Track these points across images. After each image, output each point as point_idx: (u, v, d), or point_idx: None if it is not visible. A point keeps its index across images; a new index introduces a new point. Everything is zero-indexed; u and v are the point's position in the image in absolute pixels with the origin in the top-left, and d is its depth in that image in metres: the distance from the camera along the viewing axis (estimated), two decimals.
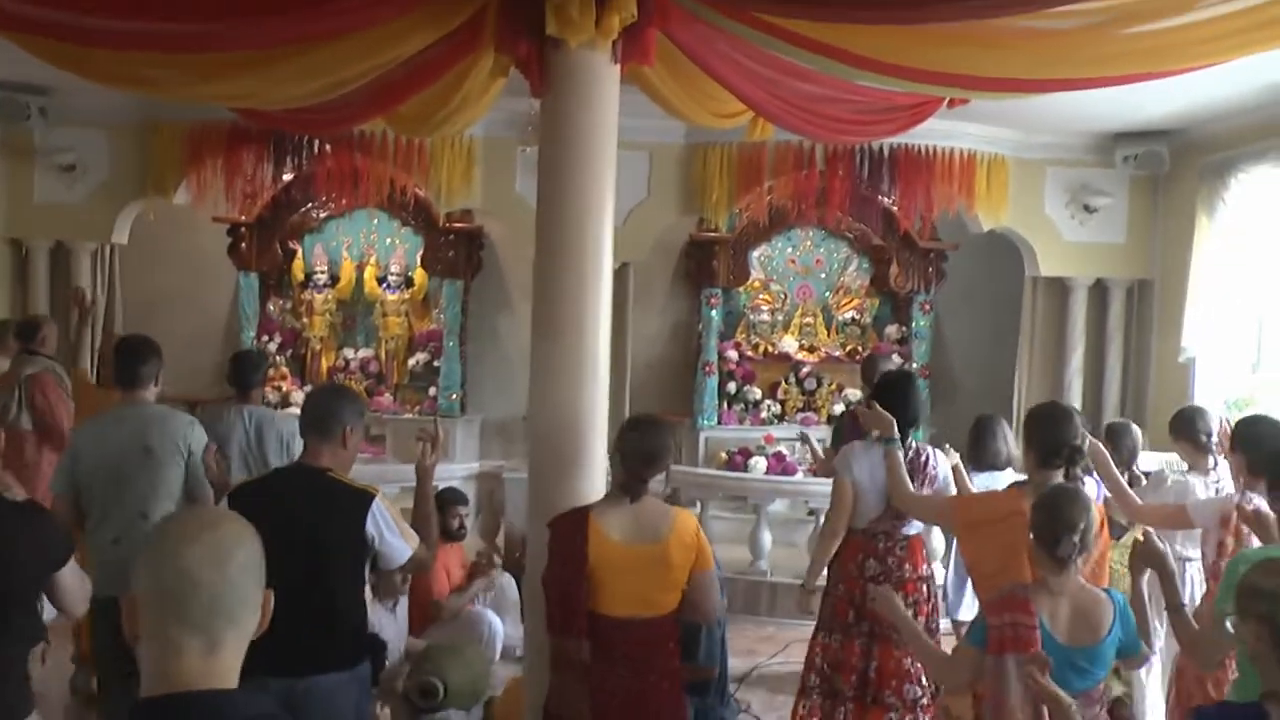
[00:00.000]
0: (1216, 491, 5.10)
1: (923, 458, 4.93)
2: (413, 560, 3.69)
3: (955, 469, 5.13)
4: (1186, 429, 5.34)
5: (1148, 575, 3.42)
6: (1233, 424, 4.84)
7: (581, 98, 4.71)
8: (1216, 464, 5.25)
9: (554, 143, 4.78)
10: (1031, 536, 3.32)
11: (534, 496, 4.74)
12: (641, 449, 3.74)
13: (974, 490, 5.13)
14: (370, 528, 3.52)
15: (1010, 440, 6.05)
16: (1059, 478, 3.89)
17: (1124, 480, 4.97)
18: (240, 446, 5.52)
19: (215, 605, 1.63)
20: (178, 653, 1.61)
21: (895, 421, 4.67)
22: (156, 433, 4.50)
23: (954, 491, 4.94)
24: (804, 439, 7.51)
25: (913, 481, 4.72)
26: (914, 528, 4.97)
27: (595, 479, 4.65)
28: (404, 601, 6.27)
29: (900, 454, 4.67)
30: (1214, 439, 5.25)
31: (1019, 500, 3.85)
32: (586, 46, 4.59)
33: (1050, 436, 3.94)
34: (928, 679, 4.79)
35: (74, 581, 3.27)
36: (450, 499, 6.68)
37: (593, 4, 4.48)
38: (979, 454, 5.97)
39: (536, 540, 4.43)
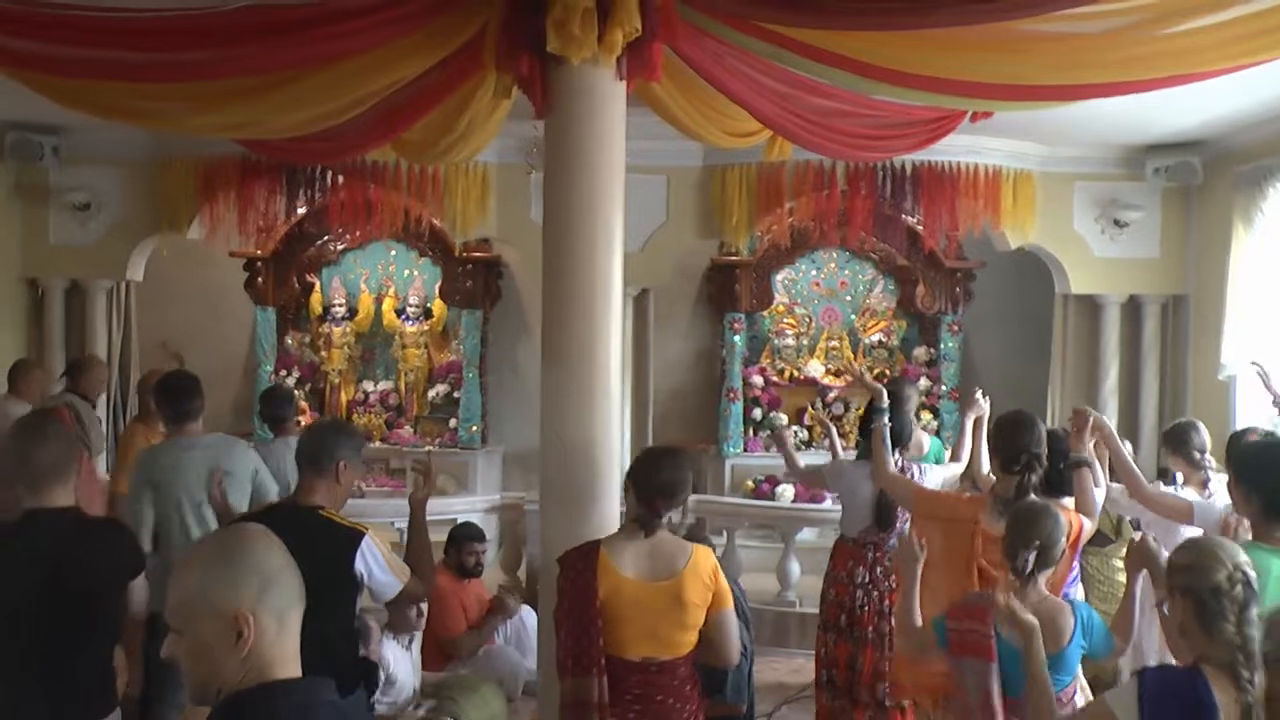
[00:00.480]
0: None
1: (909, 474, 5.21)
2: (403, 594, 3.73)
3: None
4: (1180, 445, 5.19)
5: (1143, 575, 3.50)
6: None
7: (586, 116, 4.61)
8: (1209, 481, 5.08)
9: (559, 164, 4.68)
10: (1003, 549, 3.56)
11: (545, 529, 4.63)
12: (656, 481, 3.61)
13: None
14: (359, 566, 3.57)
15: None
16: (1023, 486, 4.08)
17: (1197, 476, 5.04)
18: (285, 479, 5.50)
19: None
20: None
21: (884, 391, 5.05)
22: (230, 456, 4.91)
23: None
24: (775, 432, 7.36)
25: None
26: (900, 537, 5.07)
27: (609, 511, 4.52)
28: (419, 637, 6.16)
29: (886, 429, 4.91)
30: (1207, 456, 5.13)
31: (974, 508, 4.15)
32: (589, 63, 4.50)
33: (1010, 443, 4.13)
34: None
35: (141, 591, 3.73)
36: (465, 536, 6.56)
37: (594, 19, 4.37)
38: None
39: (547, 576, 4.30)
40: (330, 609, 3.47)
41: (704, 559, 3.62)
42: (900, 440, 5.30)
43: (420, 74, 5.06)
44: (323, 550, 3.43)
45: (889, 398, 5.15)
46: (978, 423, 5.35)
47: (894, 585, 5.17)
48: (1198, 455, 5.14)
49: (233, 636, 1.86)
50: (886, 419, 4.95)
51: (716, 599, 3.61)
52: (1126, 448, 5.83)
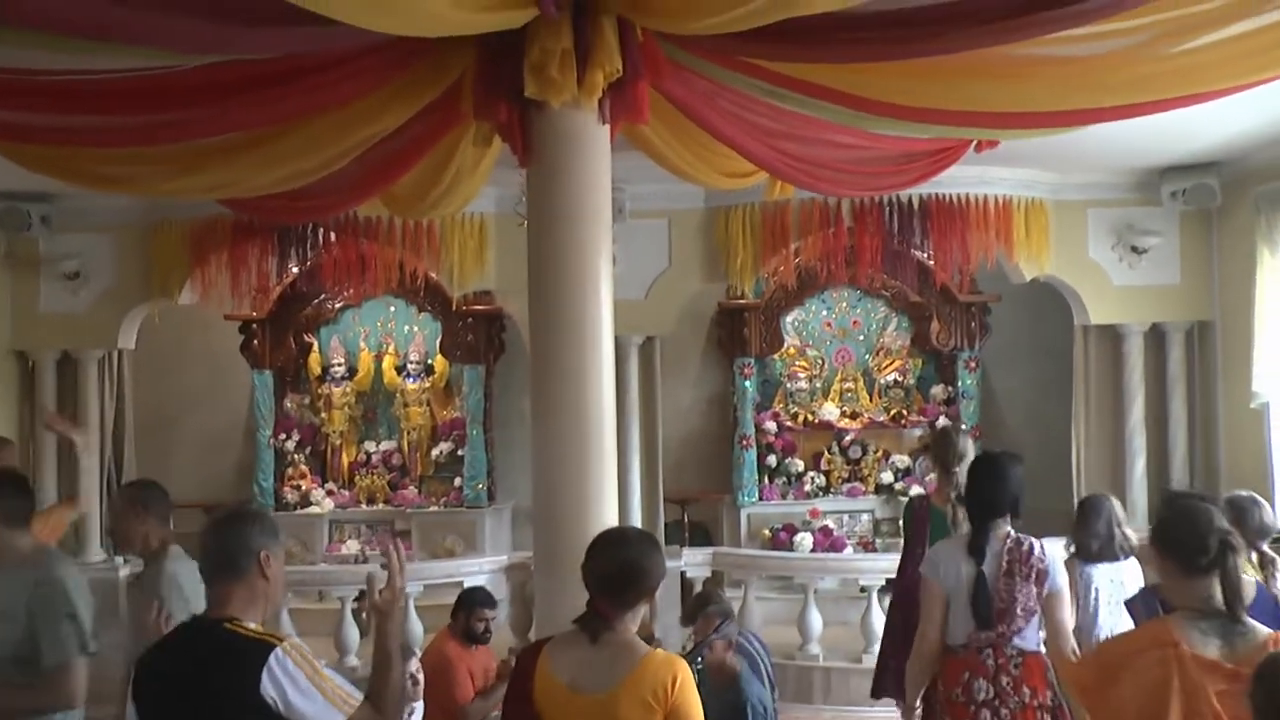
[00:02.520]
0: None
1: (1025, 545, 4.17)
2: None
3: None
4: (1237, 522, 4.36)
5: None
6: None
7: (568, 162, 4.52)
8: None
9: (542, 213, 4.59)
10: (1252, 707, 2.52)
11: (540, 598, 4.48)
12: (603, 574, 3.11)
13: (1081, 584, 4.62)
14: (268, 689, 2.78)
15: (1123, 521, 5.36)
16: (1212, 586, 3.02)
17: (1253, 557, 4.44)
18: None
19: None
20: None
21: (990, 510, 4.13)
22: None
23: (1067, 593, 4.25)
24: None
25: (1015, 578, 4.09)
26: (1030, 640, 4.18)
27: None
28: (419, 709, 5.95)
29: (1066, 612, 4.11)
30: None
31: (1168, 630, 3.01)
32: (570, 106, 4.40)
33: (1188, 534, 3.08)
34: None
35: None
36: (477, 601, 6.36)
37: (573, 60, 4.26)
38: (1086, 540, 5.33)
39: None
40: None
41: (656, 670, 3.04)
42: (1014, 509, 4.27)
43: (400, 126, 4.98)
44: (222, 671, 2.85)
45: (975, 484, 4.28)
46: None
47: (1027, 701, 4.17)
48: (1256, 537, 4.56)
49: None
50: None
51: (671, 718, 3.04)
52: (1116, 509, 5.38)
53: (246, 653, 2.84)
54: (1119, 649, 3.24)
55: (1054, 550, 4.23)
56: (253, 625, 2.93)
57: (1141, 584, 5.10)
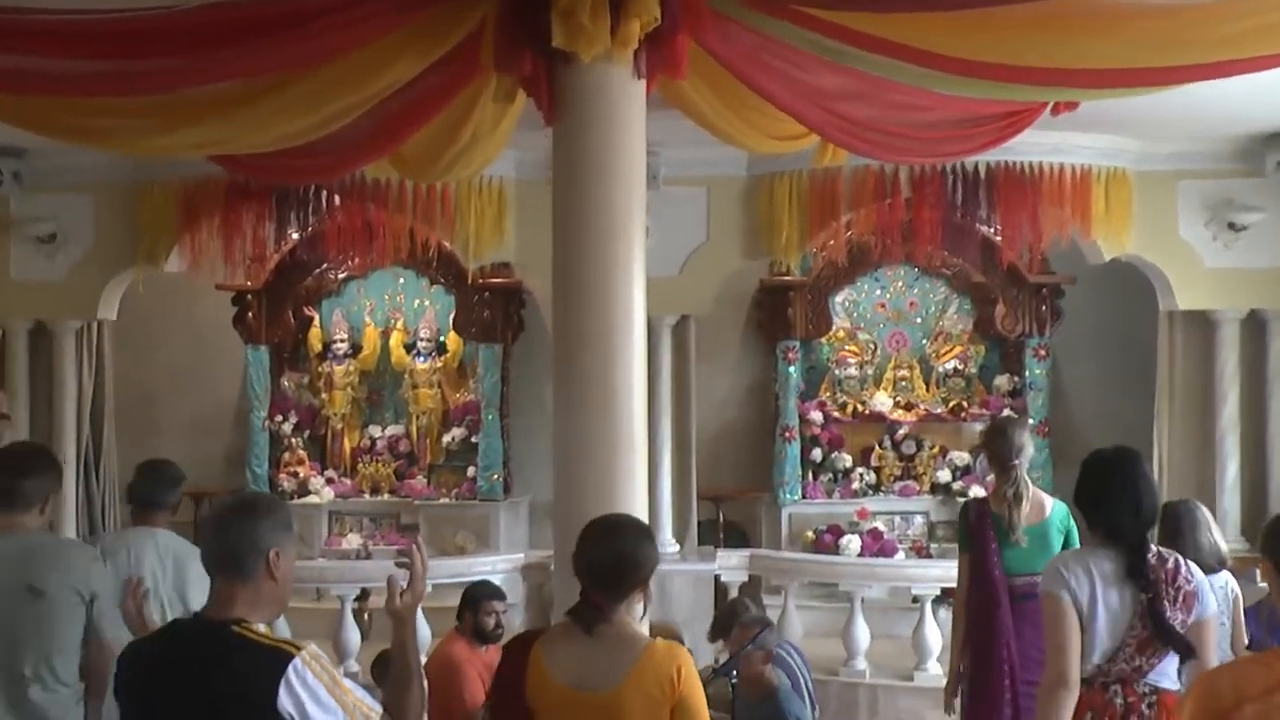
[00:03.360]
0: None
1: (1170, 563, 3.73)
2: None
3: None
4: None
5: None
6: None
7: (599, 121, 4.52)
8: None
9: (569, 178, 4.60)
10: None
11: (560, 601, 4.51)
12: (594, 563, 3.22)
13: None
14: (285, 701, 2.77)
15: (1216, 531, 5.08)
16: None
17: None
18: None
19: None
20: None
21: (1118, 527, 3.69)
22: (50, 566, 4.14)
23: (1216, 621, 3.90)
24: None
25: (1163, 602, 3.68)
26: (1167, 676, 3.76)
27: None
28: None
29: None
30: None
31: None
32: (602, 60, 4.39)
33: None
34: None
35: None
36: (483, 594, 6.38)
37: (606, 9, 4.25)
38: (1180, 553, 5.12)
39: None
40: None
41: (660, 661, 3.15)
42: (1150, 522, 3.84)
43: (413, 78, 4.95)
44: (236, 679, 2.83)
45: (1095, 490, 3.82)
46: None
47: None
48: None
49: None
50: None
51: (679, 712, 3.14)
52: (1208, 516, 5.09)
53: (262, 661, 2.82)
54: (1237, 681, 2.96)
55: (1198, 570, 3.84)
56: (262, 629, 2.92)
57: (1230, 598, 5.01)
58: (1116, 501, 3.74)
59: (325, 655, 2.90)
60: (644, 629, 3.51)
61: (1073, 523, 5.32)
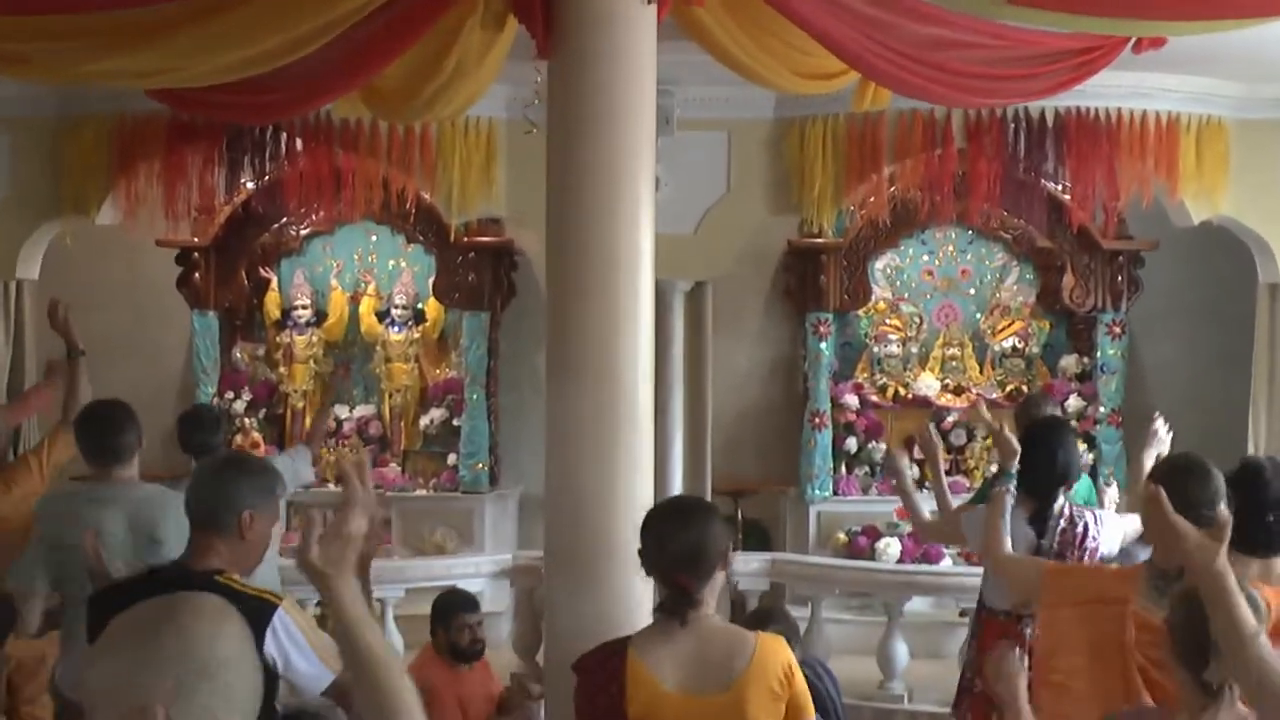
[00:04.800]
0: None
1: (1079, 526, 4.98)
2: (335, 687, 3.49)
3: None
4: None
5: None
6: None
7: (602, 52, 4.60)
8: None
9: (566, 117, 4.68)
10: (1171, 650, 3.19)
11: (551, 608, 4.60)
12: (669, 551, 3.43)
13: None
14: (271, 648, 3.31)
15: None
16: None
17: None
18: None
19: None
20: None
21: (1017, 452, 4.80)
22: (164, 514, 4.70)
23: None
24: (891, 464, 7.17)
25: (1064, 557, 4.84)
26: None
27: (630, 585, 4.42)
28: None
29: (1010, 498, 4.70)
30: None
31: (1124, 584, 3.85)
32: None
33: (1178, 497, 3.63)
34: None
35: None
36: (451, 606, 6.41)
37: None
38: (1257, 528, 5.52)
39: (555, 672, 4.31)
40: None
41: (772, 653, 3.46)
42: (1064, 479, 5.12)
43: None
44: (219, 627, 3.25)
45: (1029, 450, 4.93)
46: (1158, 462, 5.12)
47: None
48: None
49: None
50: (1013, 485, 4.76)
51: (792, 710, 3.45)
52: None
53: (249, 611, 3.01)
54: (1075, 587, 4.11)
55: (1109, 525, 5.05)
56: (243, 582, 3.43)
57: None
58: (1033, 461, 4.86)
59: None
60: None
61: (1095, 497, 6.15)
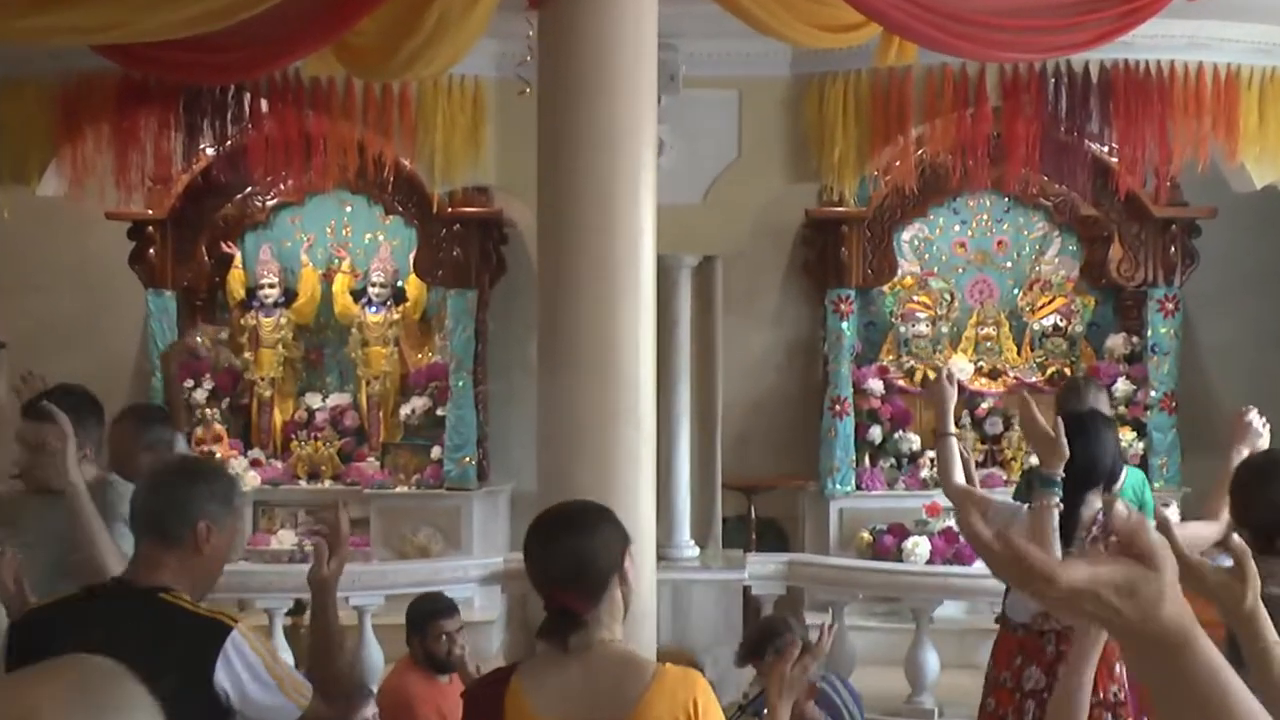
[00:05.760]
0: None
1: (1114, 536, 4.75)
2: None
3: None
4: None
5: None
6: None
7: (597, 4, 4.51)
8: None
9: (559, 76, 4.70)
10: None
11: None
12: (550, 564, 3.25)
13: None
14: (222, 677, 3.22)
15: None
16: None
17: None
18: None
19: None
20: None
21: (1064, 450, 4.56)
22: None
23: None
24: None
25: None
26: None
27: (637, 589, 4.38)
28: None
29: (1055, 510, 4.54)
30: None
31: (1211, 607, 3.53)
32: None
33: (1260, 502, 3.84)
34: None
35: None
36: (427, 612, 6.46)
37: None
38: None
39: None
40: None
41: (673, 690, 3.21)
42: (1108, 479, 4.99)
43: None
44: (167, 652, 3.13)
45: (1069, 421, 4.80)
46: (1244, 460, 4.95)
47: (1096, 689, 4.63)
48: None
49: None
50: (1059, 494, 4.57)
51: None
52: None
53: (197, 632, 3.23)
54: None
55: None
56: (194, 601, 3.32)
57: None
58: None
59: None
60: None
61: (1149, 491, 6.07)
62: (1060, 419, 5.05)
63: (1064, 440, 4.52)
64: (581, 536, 3.26)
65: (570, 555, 3.22)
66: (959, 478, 5.22)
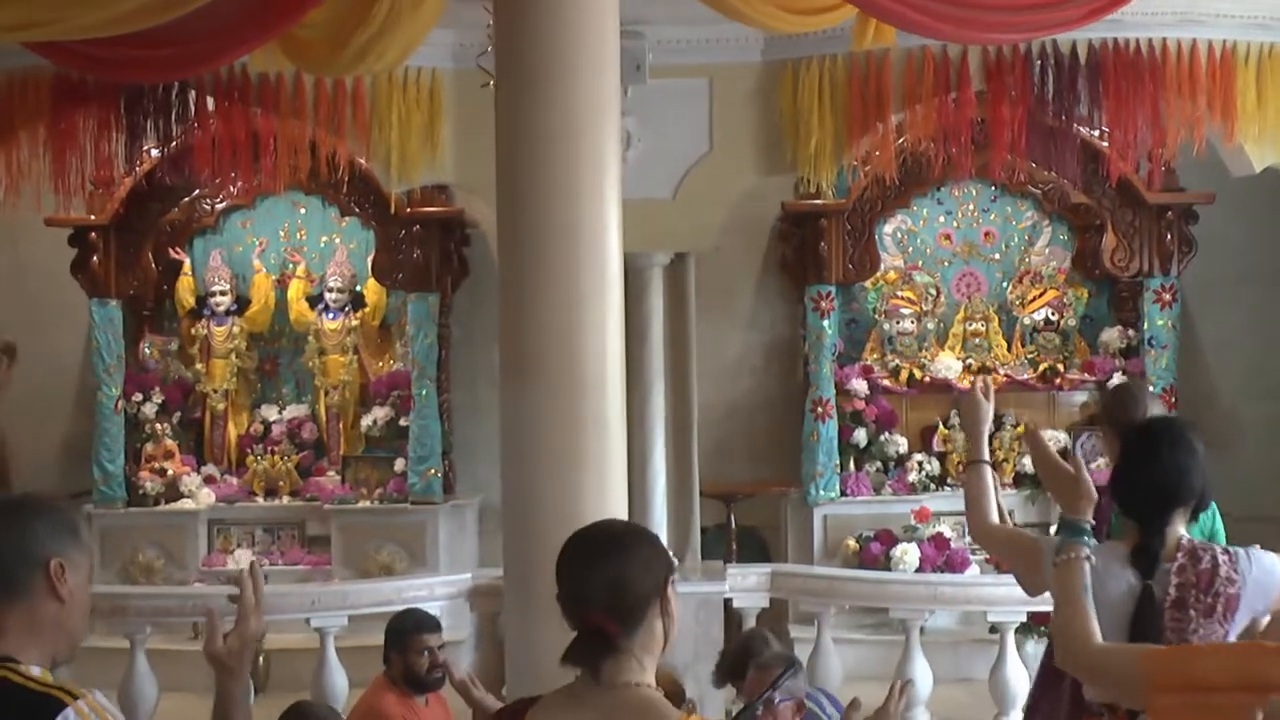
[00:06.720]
0: None
1: (1205, 561, 3.98)
2: None
3: None
4: None
5: None
6: None
7: None
8: None
9: (517, 67, 4.65)
10: None
11: (512, 641, 4.57)
12: (584, 586, 3.07)
13: None
14: None
15: None
16: None
17: None
18: None
19: None
20: None
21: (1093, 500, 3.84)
22: None
23: None
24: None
25: (1187, 610, 3.92)
26: None
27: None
28: None
29: (1086, 564, 3.75)
30: None
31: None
32: None
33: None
34: None
35: None
36: (409, 626, 6.44)
37: None
38: None
39: None
40: None
41: None
42: (1170, 499, 4.13)
43: None
44: None
45: (1113, 416, 4.62)
46: None
47: None
48: None
49: None
50: (1088, 546, 3.74)
51: None
52: None
53: (25, 712, 2.82)
54: (1202, 671, 3.25)
55: (1262, 566, 4.01)
56: (37, 671, 2.88)
57: None
58: (1136, 479, 4.11)
59: (112, 705, 2.88)
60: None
61: (1219, 521, 5.43)
62: (1121, 434, 4.54)
63: (1087, 477, 3.77)
64: (620, 558, 3.09)
65: (606, 577, 3.05)
66: (994, 516, 4.45)
